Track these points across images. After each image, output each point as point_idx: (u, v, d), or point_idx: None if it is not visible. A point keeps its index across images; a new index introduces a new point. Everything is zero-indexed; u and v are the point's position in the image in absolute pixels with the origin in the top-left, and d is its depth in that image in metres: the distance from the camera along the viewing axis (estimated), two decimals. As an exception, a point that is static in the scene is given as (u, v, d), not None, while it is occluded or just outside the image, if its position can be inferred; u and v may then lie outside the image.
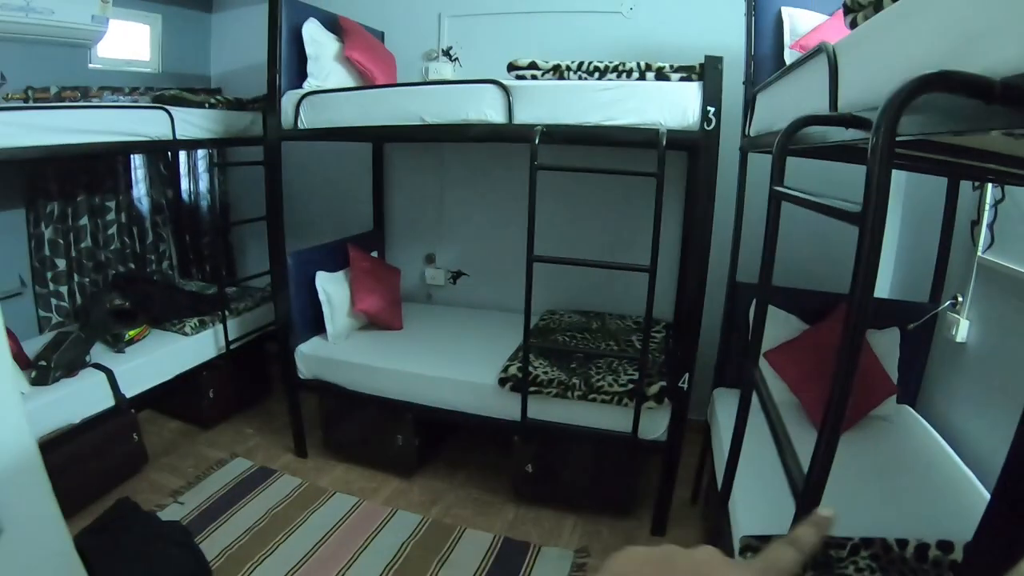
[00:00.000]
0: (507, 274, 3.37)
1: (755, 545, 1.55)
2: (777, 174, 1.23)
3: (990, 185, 2.12)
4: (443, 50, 3.09)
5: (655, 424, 2.33)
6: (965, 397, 2.21)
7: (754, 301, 2.43)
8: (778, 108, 1.74)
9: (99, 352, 2.73)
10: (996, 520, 0.70)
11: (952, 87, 0.59)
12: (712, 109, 2.08)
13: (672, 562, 0.36)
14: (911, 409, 2.43)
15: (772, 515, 1.66)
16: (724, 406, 2.39)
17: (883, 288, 2.89)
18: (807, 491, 0.88)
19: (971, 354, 2.18)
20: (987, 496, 1.84)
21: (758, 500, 1.76)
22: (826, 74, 1.13)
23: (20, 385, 2.27)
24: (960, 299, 2.26)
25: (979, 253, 2.15)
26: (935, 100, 0.64)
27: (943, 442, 2.17)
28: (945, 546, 1.52)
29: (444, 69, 2.91)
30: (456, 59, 3.05)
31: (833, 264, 2.70)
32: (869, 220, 0.73)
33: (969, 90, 0.57)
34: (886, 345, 2.39)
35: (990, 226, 2.14)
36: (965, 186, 2.29)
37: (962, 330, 2.21)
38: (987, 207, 2.14)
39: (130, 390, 2.67)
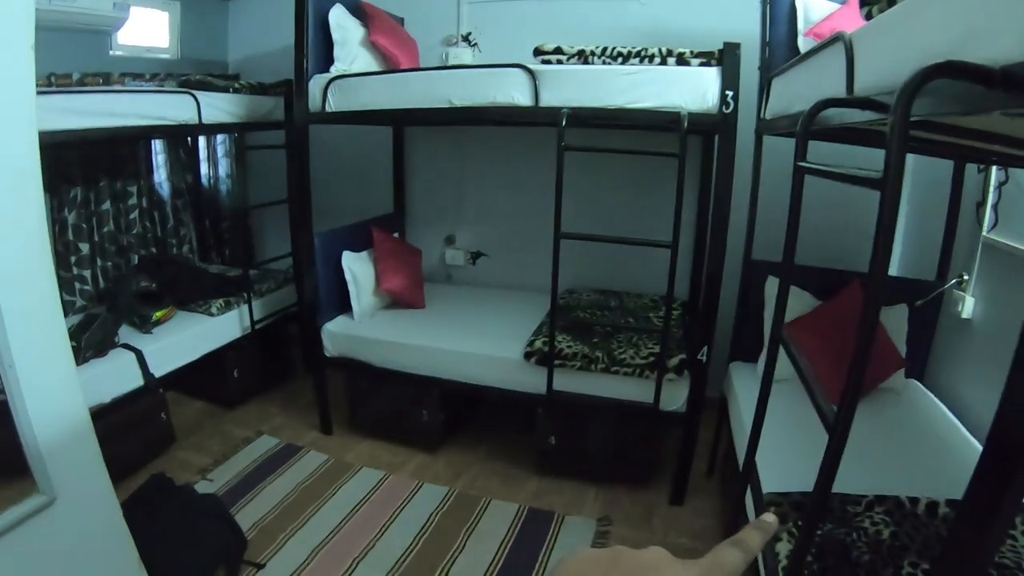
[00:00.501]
0: (526, 254, 3.55)
1: (778, 500, 1.71)
2: (801, 151, 1.40)
3: (994, 168, 2.26)
4: (462, 36, 3.24)
5: (675, 396, 2.51)
6: (970, 371, 2.37)
7: (769, 277, 2.61)
8: (794, 92, 1.90)
9: (127, 333, 2.87)
10: (986, 474, 0.86)
11: (959, 74, 0.75)
12: (731, 93, 2.23)
13: (619, 562, 0.38)
14: (919, 383, 2.60)
15: (792, 475, 1.81)
16: (741, 378, 2.58)
17: (892, 267, 3.06)
18: (836, 424, 1.06)
19: (976, 330, 2.34)
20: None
21: (779, 462, 1.93)
22: (843, 61, 1.28)
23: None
24: (965, 277, 2.41)
25: (984, 233, 2.30)
26: (944, 85, 0.78)
27: (949, 413, 2.34)
28: (954, 504, 1.65)
29: (464, 55, 3.06)
30: (475, 45, 3.20)
31: (842, 245, 2.88)
32: (889, 185, 0.90)
33: (973, 76, 0.72)
34: (895, 320, 2.55)
35: (994, 207, 2.28)
36: (971, 169, 2.45)
37: (967, 307, 2.36)
38: (992, 189, 2.28)
39: (159, 370, 2.82)
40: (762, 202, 2.61)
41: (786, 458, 1.94)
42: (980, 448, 2.05)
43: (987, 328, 2.29)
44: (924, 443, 2.14)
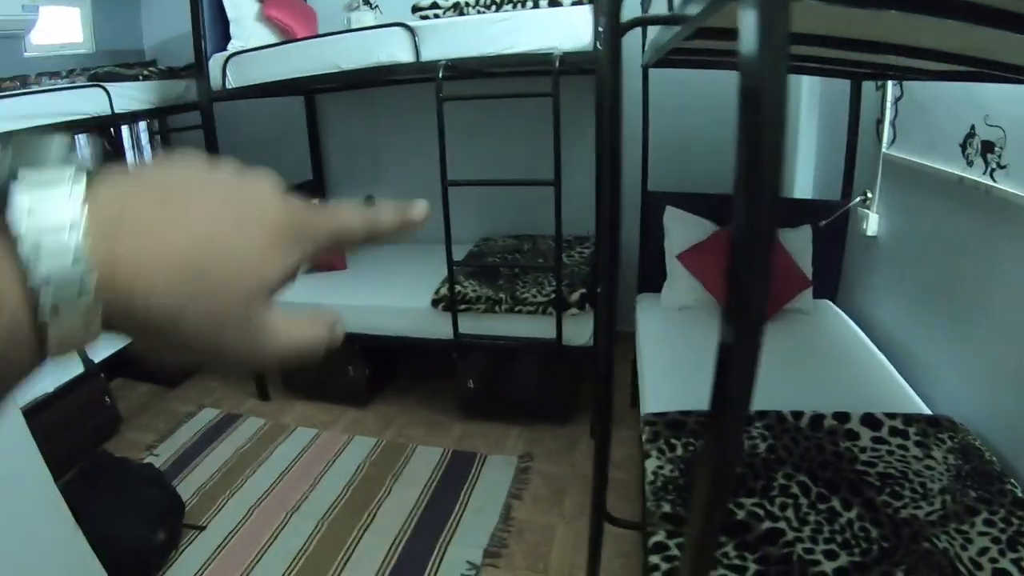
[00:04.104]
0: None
1: (653, 420, 1.91)
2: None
3: (890, 83, 2.44)
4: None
5: (580, 331, 2.75)
6: (877, 286, 2.58)
7: (667, 207, 2.81)
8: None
9: (65, 324, 3.14)
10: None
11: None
12: (604, 30, 2.45)
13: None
14: (831, 303, 2.82)
15: (679, 397, 2.00)
16: (644, 309, 2.81)
17: (804, 189, 3.27)
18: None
19: (881, 246, 2.54)
20: (896, 375, 2.21)
21: (669, 385, 2.16)
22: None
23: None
24: (869, 195, 2.61)
25: (884, 149, 2.49)
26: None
27: (857, 329, 2.55)
28: (841, 416, 1.79)
29: (365, 17, 3.27)
30: (376, 7, 3.43)
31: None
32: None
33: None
34: (799, 242, 2.76)
35: (892, 123, 2.47)
36: (868, 87, 2.63)
37: (872, 224, 2.56)
38: (888, 104, 2.47)
39: (98, 355, 3.09)
40: (654, 133, 2.82)
41: (675, 381, 2.16)
42: (886, 363, 2.26)
43: (891, 244, 2.47)
44: (829, 361, 2.32)
